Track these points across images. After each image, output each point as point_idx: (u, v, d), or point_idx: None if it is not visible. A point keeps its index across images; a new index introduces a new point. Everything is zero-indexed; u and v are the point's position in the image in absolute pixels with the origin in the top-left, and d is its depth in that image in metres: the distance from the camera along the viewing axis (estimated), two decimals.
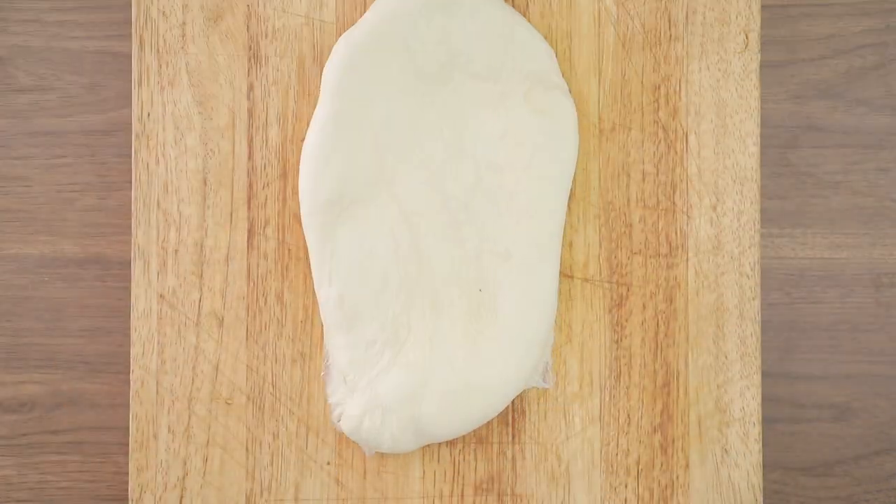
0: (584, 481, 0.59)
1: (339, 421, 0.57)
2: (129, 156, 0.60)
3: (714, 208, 0.60)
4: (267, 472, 0.59)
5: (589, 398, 0.60)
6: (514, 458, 0.59)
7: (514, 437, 0.59)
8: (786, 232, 0.63)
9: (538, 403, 0.59)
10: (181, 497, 0.59)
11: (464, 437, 0.59)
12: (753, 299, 0.60)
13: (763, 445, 0.60)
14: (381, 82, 0.56)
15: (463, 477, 0.59)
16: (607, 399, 0.60)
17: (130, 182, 0.59)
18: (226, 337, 0.59)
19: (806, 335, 0.63)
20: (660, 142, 0.60)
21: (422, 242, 0.56)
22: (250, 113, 0.59)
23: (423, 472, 0.59)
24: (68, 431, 0.62)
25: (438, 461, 0.59)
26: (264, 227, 0.59)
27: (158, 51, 0.59)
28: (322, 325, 0.58)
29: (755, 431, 0.59)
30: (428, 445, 0.59)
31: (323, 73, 0.57)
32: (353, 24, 0.59)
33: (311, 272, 0.58)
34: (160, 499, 0.58)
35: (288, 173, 0.59)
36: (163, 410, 0.59)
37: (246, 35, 0.59)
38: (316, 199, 0.56)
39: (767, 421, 0.61)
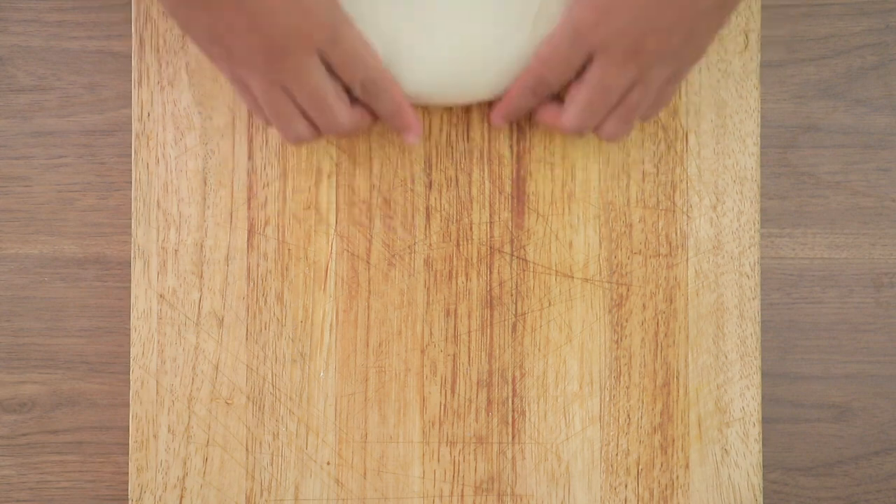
0: (584, 481, 0.59)
1: None
2: (129, 156, 0.60)
3: (714, 208, 0.60)
4: (267, 472, 0.59)
5: (589, 398, 0.60)
6: (514, 458, 0.59)
7: (514, 437, 0.59)
8: (786, 232, 0.63)
9: (538, 403, 0.59)
10: (181, 497, 0.59)
11: (464, 436, 0.59)
12: (753, 299, 0.60)
13: (763, 445, 0.60)
14: None
15: (463, 477, 0.59)
16: (607, 399, 0.60)
17: (130, 182, 0.59)
18: (226, 337, 0.59)
19: (806, 335, 0.63)
20: (660, 142, 0.60)
21: None
22: (250, 113, 0.59)
23: (423, 472, 0.59)
24: (68, 431, 0.62)
25: (438, 461, 0.59)
26: (264, 227, 0.59)
27: (158, 51, 0.59)
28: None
29: (755, 431, 0.59)
30: (427, 445, 0.59)
31: None
32: None
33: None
34: (160, 499, 0.58)
35: (288, 173, 0.59)
36: (163, 410, 0.59)
37: None
38: None
39: (767, 421, 0.61)
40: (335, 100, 0.52)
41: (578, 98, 0.53)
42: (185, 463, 0.59)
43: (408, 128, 0.55)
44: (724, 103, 0.60)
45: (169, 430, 0.59)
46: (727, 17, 0.52)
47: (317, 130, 0.54)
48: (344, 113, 0.53)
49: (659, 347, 0.60)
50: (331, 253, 0.59)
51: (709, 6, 0.49)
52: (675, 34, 0.50)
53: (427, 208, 0.60)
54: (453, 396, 0.59)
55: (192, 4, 0.49)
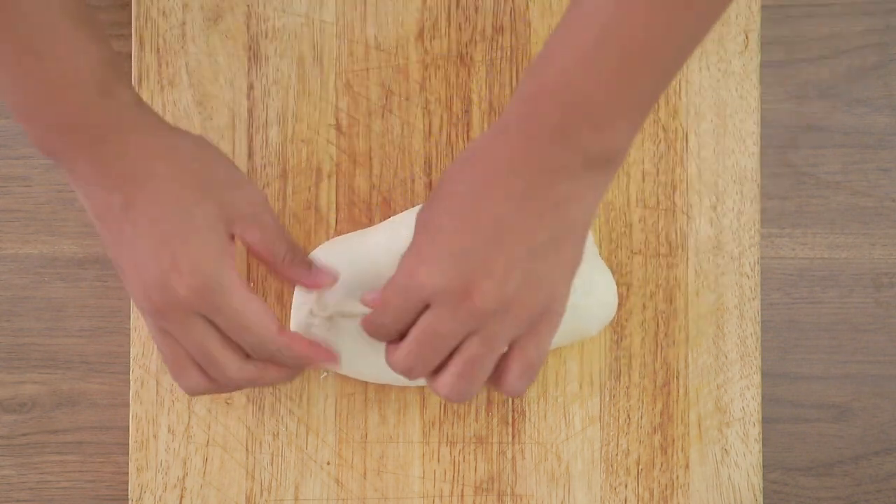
0: (584, 481, 0.59)
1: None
2: None
3: (714, 208, 0.60)
4: (267, 472, 0.59)
5: (589, 398, 0.60)
6: (514, 458, 0.59)
7: (514, 437, 0.59)
8: (786, 232, 0.63)
9: (538, 403, 0.59)
10: (181, 497, 0.59)
11: (464, 436, 0.59)
12: (753, 299, 0.60)
13: (763, 445, 0.60)
14: None
15: (463, 477, 0.59)
16: (607, 399, 0.60)
17: None
18: None
19: (806, 335, 0.63)
20: (660, 142, 0.60)
21: None
22: (250, 113, 0.59)
23: (423, 472, 0.59)
24: (68, 431, 0.62)
25: (438, 461, 0.59)
26: None
27: (158, 51, 0.59)
28: None
29: (755, 431, 0.59)
30: (427, 445, 0.59)
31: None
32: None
33: None
34: (160, 499, 0.58)
35: (288, 173, 0.59)
36: (163, 410, 0.59)
37: (246, 35, 0.59)
38: None
39: (767, 421, 0.61)
40: (223, 354, 0.48)
41: (408, 339, 0.48)
42: (185, 463, 0.59)
43: (323, 365, 0.52)
44: (724, 103, 0.60)
45: (169, 430, 0.59)
46: (569, 265, 0.47)
47: (214, 382, 0.50)
48: (233, 367, 0.49)
49: (659, 347, 0.60)
50: None
51: (543, 242, 0.45)
52: (510, 280, 0.45)
53: None
54: None
55: (100, 228, 0.48)
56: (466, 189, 0.45)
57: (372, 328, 0.49)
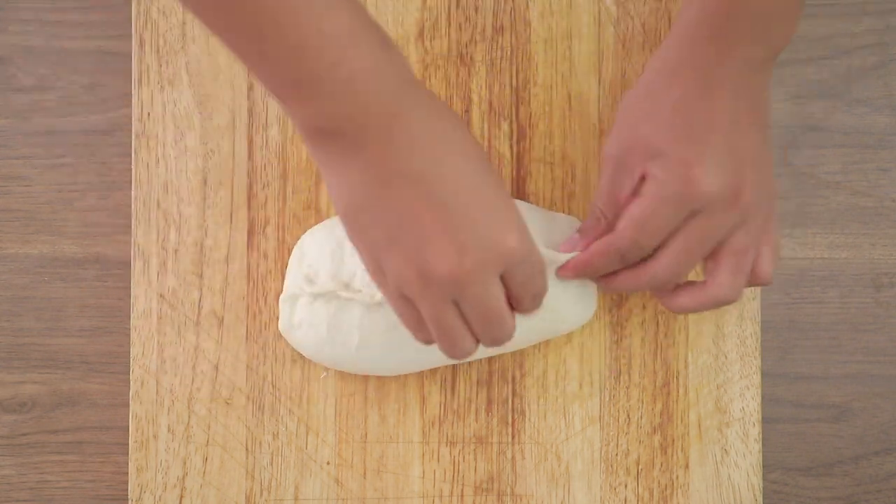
0: (584, 481, 0.59)
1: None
2: (129, 156, 0.60)
3: None
4: (267, 472, 0.59)
5: (589, 398, 0.60)
6: (514, 458, 0.59)
7: (514, 437, 0.59)
8: (786, 232, 0.63)
9: (538, 403, 0.59)
10: (181, 497, 0.59)
11: (464, 436, 0.59)
12: (753, 299, 0.60)
13: (763, 445, 0.60)
14: None
15: (463, 477, 0.59)
16: (607, 399, 0.60)
17: (130, 182, 0.60)
18: (226, 337, 0.59)
19: (806, 335, 0.63)
20: None
21: None
22: (250, 113, 0.59)
23: (423, 472, 0.59)
24: (68, 431, 0.62)
25: (438, 461, 0.59)
26: (264, 227, 0.59)
27: (158, 50, 0.59)
28: None
29: (755, 431, 0.59)
30: (427, 445, 0.59)
31: None
32: None
33: None
34: (160, 499, 0.58)
35: (288, 173, 0.59)
36: (163, 410, 0.59)
37: None
38: None
39: (767, 421, 0.61)
40: (508, 315, 0.48)
41: (674, 246, 0.48)
42: (184, 463, 0.59)
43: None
44: None
45: (169, 430, 0.59)
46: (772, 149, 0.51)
47: (477, 342, 0.49)
48: (511, 327, 0.48)
49: (659, 347, 0.60)
50: None
51: (761, 129, 0.49)
52: (764, 169, 0.48)
53: None
54: (453, 396, 0.59)
55: (376, 210, 0.45)
56: (685, 97, 0.48)
57: (616, 255, 0.50)
